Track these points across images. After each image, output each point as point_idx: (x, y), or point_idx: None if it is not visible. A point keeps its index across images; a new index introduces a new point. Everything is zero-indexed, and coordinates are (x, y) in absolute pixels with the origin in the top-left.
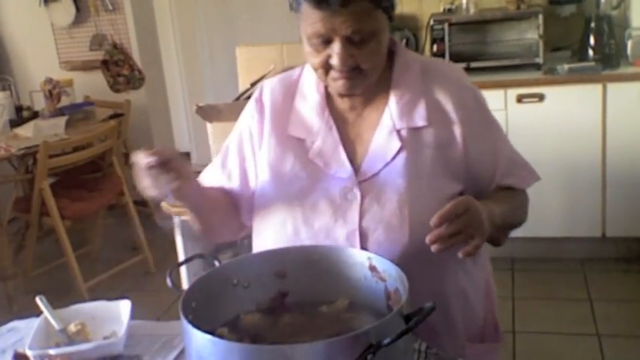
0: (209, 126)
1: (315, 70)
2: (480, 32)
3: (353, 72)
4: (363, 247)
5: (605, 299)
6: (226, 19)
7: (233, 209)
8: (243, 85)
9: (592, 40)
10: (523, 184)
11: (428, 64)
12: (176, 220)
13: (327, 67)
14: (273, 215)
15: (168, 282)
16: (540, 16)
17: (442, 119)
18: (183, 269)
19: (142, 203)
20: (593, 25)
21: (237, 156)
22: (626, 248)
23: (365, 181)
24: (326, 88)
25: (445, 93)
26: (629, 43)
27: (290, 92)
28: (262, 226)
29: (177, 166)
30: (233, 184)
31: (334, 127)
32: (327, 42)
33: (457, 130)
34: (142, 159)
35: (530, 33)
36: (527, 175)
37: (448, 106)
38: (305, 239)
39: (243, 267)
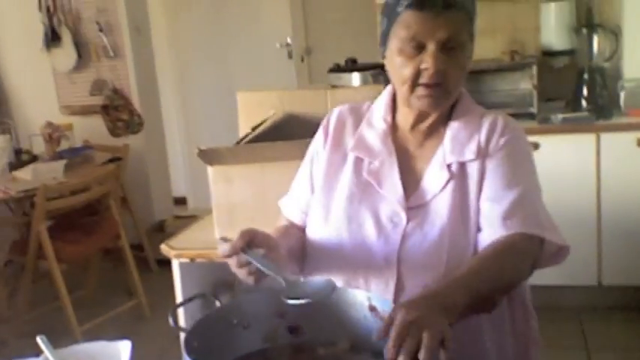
0: (210, 169)
1: (402, 84)
2: (475, 82)
3: (437, 89)
4: (399, 270)
5: (602, 348)
6: (224, 66)
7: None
8: (243, 129)
9: (585, 91)
10: (531, 229)
11: (488, 111)
12: (174, 263)
13: (415, 80)
14: (322, 227)
15: (171, 321)
16: (534, 67)
17: (481, 153)
18: (180, 310)
19: (137, 247)
20: (586, 76)
21: (308, 180)
22: (623, 297)
23: (413, 209)
24: (393, 119)
25: (487, 130)
26: (622, 94)
27: (357, 119)
28: (312, 237)
29: (262, 241)
30: (303, 208)
31: (394, 153)
32: (420, 48)
33: (485, 163)
34: (222, 251)
35: (524, 83)
36: (550, 232)
37: (485, 140)
38: (348, 250)
39: (242, 307)
